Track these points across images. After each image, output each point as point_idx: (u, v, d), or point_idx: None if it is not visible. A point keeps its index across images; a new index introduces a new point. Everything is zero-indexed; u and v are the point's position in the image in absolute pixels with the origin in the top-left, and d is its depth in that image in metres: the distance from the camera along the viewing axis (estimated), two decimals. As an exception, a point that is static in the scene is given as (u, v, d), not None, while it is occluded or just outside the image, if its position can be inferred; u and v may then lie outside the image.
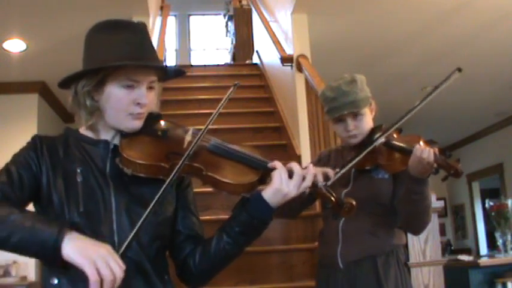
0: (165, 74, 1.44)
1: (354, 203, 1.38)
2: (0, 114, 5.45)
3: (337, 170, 1.91)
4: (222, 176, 1.32)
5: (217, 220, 3.01)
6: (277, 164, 1.33)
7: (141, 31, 1.36)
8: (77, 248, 1.14)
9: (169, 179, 1.24)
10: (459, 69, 1.88)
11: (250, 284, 3.16)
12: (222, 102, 1.39)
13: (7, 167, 1.31)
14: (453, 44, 5.12)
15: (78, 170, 1.33)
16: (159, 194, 1.22)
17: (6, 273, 4.92)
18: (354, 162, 1.91)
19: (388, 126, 1.94)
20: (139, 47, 1.33)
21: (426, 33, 4.84)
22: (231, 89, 1.41)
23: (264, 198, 1.31)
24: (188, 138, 1.37)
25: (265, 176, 1.36)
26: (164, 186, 1.23)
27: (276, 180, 1.30)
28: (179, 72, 1.49)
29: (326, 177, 1.90)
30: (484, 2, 4.36)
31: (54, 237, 1.15)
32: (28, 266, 4.97)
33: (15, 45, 4.65)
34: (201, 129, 1.36)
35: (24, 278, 4.95)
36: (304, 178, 1.32)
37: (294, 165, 1.33)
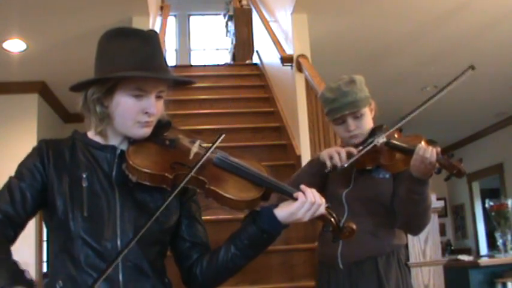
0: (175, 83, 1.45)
1: (354, 227, 1.40)
2: (0, 114, 5.44)
3: (360, 147, 1.93)
4: (224, 190, 1.33)
5: (217, 220, 3.00)
6: (303, 190, 1.36)
7: (152, 40, 1.36)
8: None
9: (173, 193, 1.27)
10: (472, 67, 1.87)
11: (251, 284, 3.16)
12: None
13: (10, 183, 1.32)
14: (453, 44, 5.11)
15: (84, 176, 1.34)
16: (162, 207, 1.24)
17: (6, 273, 4.91)
18: (378, 138, 1.91)
19: (407, 114, 1.91)
20: (150, 57, 1.33)
21: (426, 33, 4.84)
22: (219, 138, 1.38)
23: (275, 216, 1.34)
24: (194, 149, 1.39)
25: (268, 193, 1.37)
26: (168, 200, 1.26)
27: (296, 206, 1.34)
28: (188, 81, 1.50)
29: (349, 155, 1.92)
30: (484, 2, 4.36)
31: None
32: (28, 266, 4.94)
33: (15, 45, 4.64)
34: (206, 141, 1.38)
35: (24, 278, 4.94)
36: (319, 206, 1.35)
37: (316, 196, 1.35)
